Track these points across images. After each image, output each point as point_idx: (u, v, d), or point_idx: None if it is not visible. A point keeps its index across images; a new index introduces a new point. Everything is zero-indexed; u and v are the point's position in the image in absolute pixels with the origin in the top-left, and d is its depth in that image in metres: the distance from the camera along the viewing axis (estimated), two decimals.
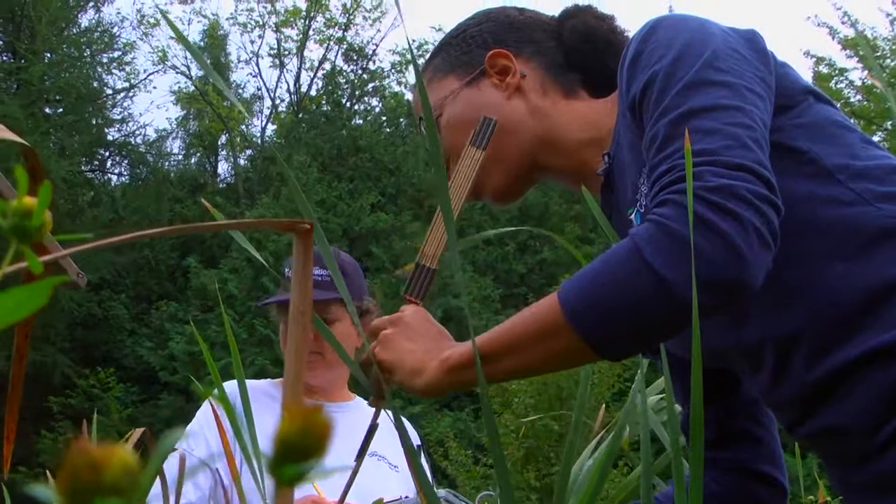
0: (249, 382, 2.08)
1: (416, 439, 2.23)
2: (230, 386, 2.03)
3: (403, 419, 2.23)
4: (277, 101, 30.19)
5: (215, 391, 0.98)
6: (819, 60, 15.39)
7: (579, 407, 1.00)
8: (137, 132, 27.48)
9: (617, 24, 1.29)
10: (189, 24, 33.76)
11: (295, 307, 0.60)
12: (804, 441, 1.07)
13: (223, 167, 30.63)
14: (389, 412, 1.10)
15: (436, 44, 1.34)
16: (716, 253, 0.85)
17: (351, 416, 2.14)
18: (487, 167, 1.18)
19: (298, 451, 0.34)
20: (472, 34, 1.28)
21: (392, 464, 2.12)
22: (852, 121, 1.13)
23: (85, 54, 25.23)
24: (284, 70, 30.02)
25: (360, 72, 30.08)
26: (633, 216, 1.10)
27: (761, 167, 0.90)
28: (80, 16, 26.02)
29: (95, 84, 25.65)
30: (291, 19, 29.39)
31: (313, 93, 29.25)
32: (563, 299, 0.91)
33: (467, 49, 1.27)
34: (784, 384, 1.03)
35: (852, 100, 15.40)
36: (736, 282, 0.87)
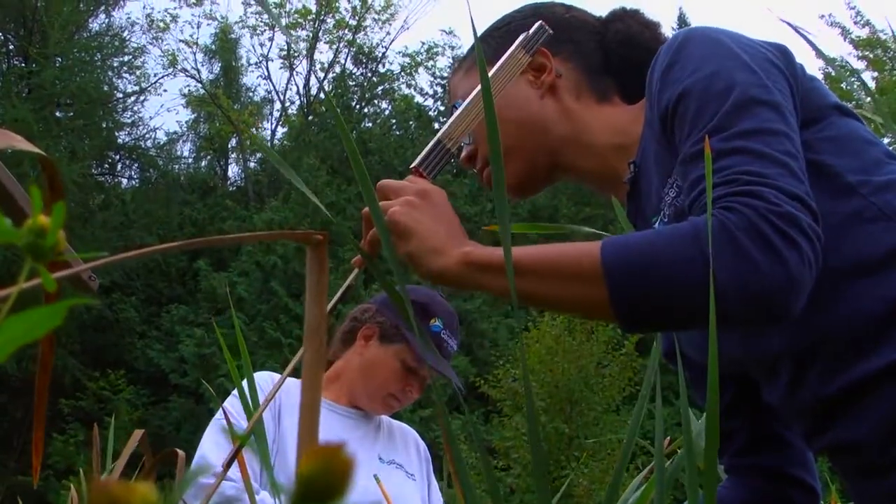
0: (289, 380, 2.06)
1: (422, 447, 2.22)
2: (261, 377, 2.02)
3: (410, 428, 2.22)
4: (287, 104, 30.28)
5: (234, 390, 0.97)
6: (830, 61, 15.31)
7: (627, 445, 0.99)
8: (148, 135, 27.61)
9: (661, 32, 1.27)
10: (198, 28, 33.91)
11: (309, 324, 0.58)
12: (821, 452, 1.07)
13: (233, 170, 30.74)
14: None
15: (480, 33, 1.32)
16: (775, 275, 0.85)
17: (370, 426, 2.15)
18: (509, 158, 1.16)
19: (320, 490, 0.33)
20: (515, 28, 1.26)
21: (409, 472, 2.13)
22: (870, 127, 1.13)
23: (95, 58, 25.34)
24: (294, 73, 30.10)
25: (369, 74, 30.13)
26: (656, 224, 1.10)
27: (811, 200, 0.90)
28: (90, 20, 26.14)
29: (106, 88, 25.76)
30: (301, 21, 29.45)
31: (322, 95, 29.30)
32: (605, 253, 0.90)
33: (508, 43, 1.25)
34: (799, 396, 1.02)
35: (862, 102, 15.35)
36: (782, 306, 0.87)
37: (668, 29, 1.37)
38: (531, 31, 1.17)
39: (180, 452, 0.99)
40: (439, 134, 1.12)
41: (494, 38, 1.28)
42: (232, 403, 1.95)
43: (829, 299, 0.97)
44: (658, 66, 1.07)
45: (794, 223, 0.87)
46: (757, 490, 1.20)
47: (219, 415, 1.98)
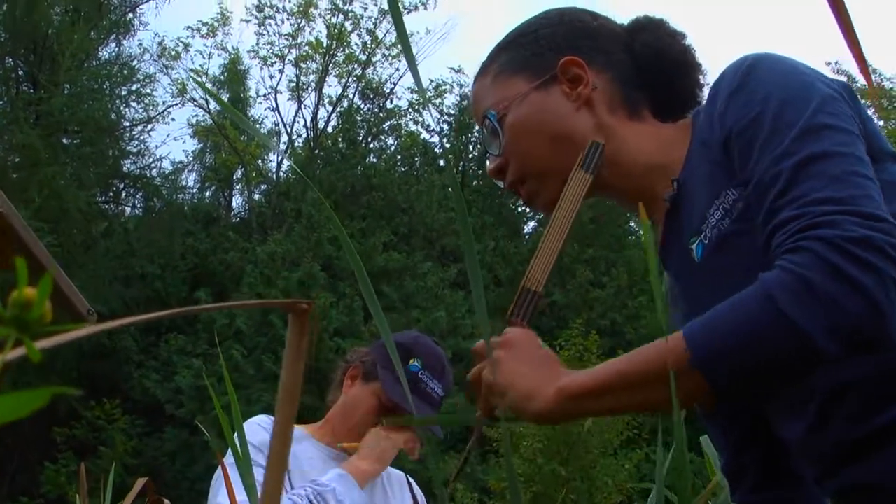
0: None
1: (415, 488, 2.21)
2: (261, 421, 2.02)
3: (409, 479, 2.21)
4: (294, 137, 30.48)
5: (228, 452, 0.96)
6: None
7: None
8: (153, 164, 27.76)
9: (688, 43, 1.24)
10: (209, 58, 34.24)
11: (285, 388, 0.60)
12: (832, 496, 1.05)
13: (237, 201, 30.87)
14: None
15: (501, 39, 1.29)
16: (854, 305, 0.85)
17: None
18: (544, 178, 1.16)
19: None
20: (543, 35, 1.23)
21: None
22: None
23: (104, 87, 25.56)
24: (302, 106, 30.33)
25: (376, 110, 30.35)
26: (694, 245, 1.09)
27: (890, 217, 0.90)
28: (100, 49, 26.41)
29: (113, 116, 25.96)
30: (312, 53, 29.73)
31: (330, 129, 29.50)
32: (692, 345, 0.90)
33: (539, 51, 1.22)
34: (822, 436, 1.01)
35: None
36: (872, 332, 0.86)
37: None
38: (586, 149, 1.15)
39: (166, 502, 0.98)
40: (524, 280, 1.13)
41: (521, 46, 1.24)
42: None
43: None
44: (724, 87, 1.06)
45: (871, 246, 0.86)
46: None
47: (227, 458, 1.97)
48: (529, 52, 1.23)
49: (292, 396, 0.59)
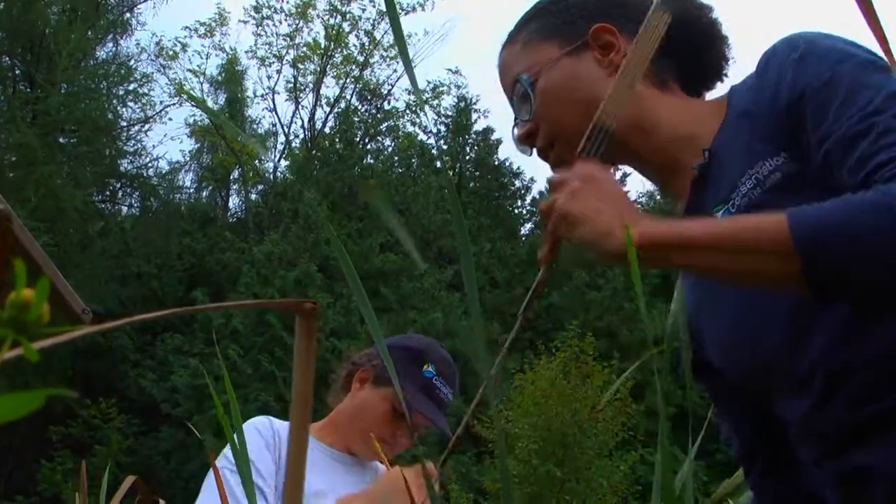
0: (284, 425, 2.03)
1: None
2: (259, 423, 2.02)
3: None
4: (292, 137, 30.47)
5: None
6: None
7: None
8: (150, 164, 27.74)
9: (715, 16, 1.25)
10: (207, 59, 34.22)
11: (297, 391, 0.58)
12: (831, 480, 1.04)
13: (234, 201, 30.87)
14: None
15: (529, 8, 1.28)
16: None
17: (367, 473, 2.15)
18: (574, 143, 1.15)
19: None
20: (574, 3, 1.23)
21: None
22: None
23: (101, 87, 25.54)
24: (300, 107, 30.32)
25: (374, 111, 30.36)
26: (719, 213, 1.09)
27: None
28: (98, 48, 26.39)
29: (110, 115, 25.94)
30: (310, 54, 29.73)
31: (327, 130, 29.51)
32: (797, 231, 0.89)
33: (570, 18, 1.22)
34: (825, 415, 1.00)
35: None
36: None
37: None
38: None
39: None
40: (595, 116, 1.11)
41: (551, 13, 1.25)
42: (228, 454, 1.93)
43: (880, 325, 0.96)
44: (782, 57, 1.06)
45: None
46: None
47: (219, 461, 1.96)
48: (560, 19, 1.23)
49: (305, 401, 0.57)
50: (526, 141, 1.24)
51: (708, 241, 0.94)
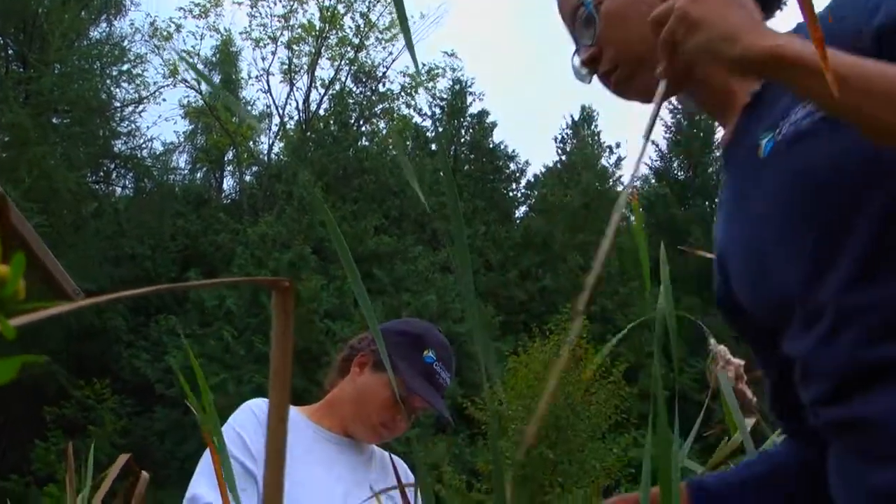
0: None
1: (408, 477, 2.22)
2: (255, 405, 2.02)
3: (395, 458, 2.21)
4: (286, 119, 30.36)
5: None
6: None
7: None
8: (144, 145, 27.63)
9: None
10: (202, 39, 34.05)
11: (275, 369, 0.57)
12: (825, 425, 1.03)
13: (228, 183, 30.77)
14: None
15: None
16: None
17: (364, 455, 2.15)
18: (639, 65, 1.14)
19: None
20: None
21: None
22: None
23: (95, 67, 25.40)
24: (294, 88, 30.20)
25: (369, 93, 30.25)
26: (764, 141, 1.07)
27: None
28: (91, 29, 26.23)
29: (104, 96, 25.81)
30: (305, 36, 29.59)
31: (322, 112, 29.41)
32: None
33: None
34: (829, 352, 0.99)
35: None
36: None
37: None
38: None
39: (144, 474, 0.96)
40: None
41: None
42: (226, 432, 1.93)
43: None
44: None
45: None
46: (814, 455, 1.17)
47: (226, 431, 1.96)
48: None
49: (284, 381, 0.57)
50: (590, 65, 1.22)
51: (850, 76, 0.87)
